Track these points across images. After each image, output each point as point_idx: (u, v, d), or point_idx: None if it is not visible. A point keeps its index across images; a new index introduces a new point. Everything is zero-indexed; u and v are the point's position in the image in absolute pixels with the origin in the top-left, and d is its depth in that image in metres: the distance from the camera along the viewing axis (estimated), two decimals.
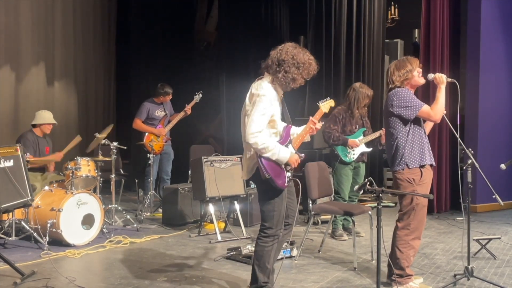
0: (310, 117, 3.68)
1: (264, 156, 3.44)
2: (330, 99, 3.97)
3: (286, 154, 3.49)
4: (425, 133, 4.04)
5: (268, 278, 3.62)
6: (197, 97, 7.13)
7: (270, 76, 3.57)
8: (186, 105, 7.11)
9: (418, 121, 3.99)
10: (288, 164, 3.53)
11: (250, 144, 3.42)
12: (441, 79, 3.98)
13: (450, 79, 4.04)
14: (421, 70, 4.04)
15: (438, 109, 3.93)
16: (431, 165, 4.02)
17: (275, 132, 3.60)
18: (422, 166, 3.95)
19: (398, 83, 3.98)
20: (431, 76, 4.05)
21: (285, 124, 3.70)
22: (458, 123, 4.13)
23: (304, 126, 3.71)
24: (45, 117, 6.23)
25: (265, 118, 3.45)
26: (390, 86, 4.04)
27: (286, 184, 3.54)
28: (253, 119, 3.41)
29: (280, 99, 3.66)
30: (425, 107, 3.92)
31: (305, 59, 3.55)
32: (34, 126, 6.23)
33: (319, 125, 3.69)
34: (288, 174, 3.56)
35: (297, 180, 3.72)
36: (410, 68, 3.98)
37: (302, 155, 3.68)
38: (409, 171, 3.92)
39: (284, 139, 3.62)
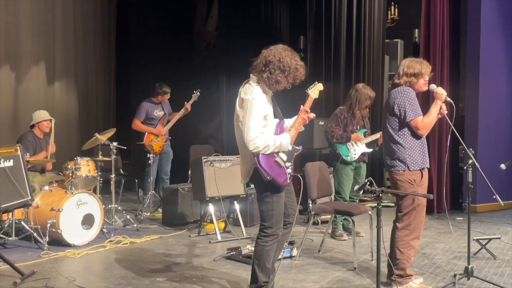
0: (301, 106, 3.64)
1: (267, 154, 3.44)
2: (318, 83, 3.85)
3: (287, 139, 3.53)
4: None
5: (268, 277, 3.62)
6: (195, 95, 7.12)
7: (256, 76, 3.55)
8: (186, 103, 7.11)
9: None
10: (286, 160, 3.54)
11: (251, 150, 3.42)
12: (441, 96, 3.94)
13: (449, 99, 4.01)
14: (428, 79, 4.01)
15: (427, 123, 3.91)
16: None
17: (270, 132, 3.59)
18: (422, 169, 3.95)
19: (402, 81, 3.96)
20: (433, 87, 4.01)
21: (277, 121, 3.69)
22: (448, 144, 4.10)
23: (296, 117, 3.68)
24: (41, 115, 6.21)
25: (260, 121, 3.45)
26: (395, 80, 4.01)
27: (288, 181, 3.56)
28: (248, 126, 3.41)
29: (270, 99, 3.64)
30: (420, 118, 3.88)
31: (292, 63, 3.50)
32: (33, 126, 6.23)
33: (312, 114, 3.66)
34: (289, 170, 3.57)
35: (299, 177, 3.72)
36: (419, 72, 3.93)
37: (299, 147, 3.69)
38: (410, 173, 3.91)
39: (278, 134, 3.62)
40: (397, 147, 3.93)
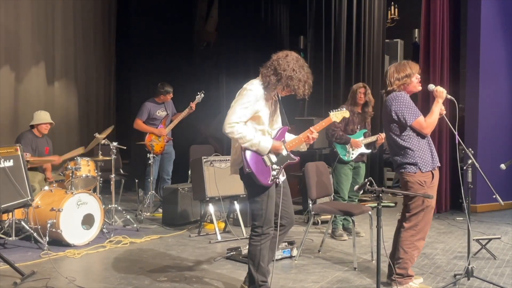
0: (310, 128, 3.68)
1: (245, 146, 3.45)
2: (345, 110, 3.97)
3: (267, 144, 3.49)
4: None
5: (265, 277, 3.62)
6: (199, 97, 7.10)
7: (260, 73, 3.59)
8: (191, 102, 7.09)
9: None
10: (275, 162, 3.54)
11: (226, 133, 3.42)
12: (442, 94, 3.94)
13: (450, 96, 4.01)
14: (419, 77, 4.02)
15: (431, 123, 3.92)
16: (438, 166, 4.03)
17: (262, 129, 3.57)
18: (433, 169, 3.94)
19: (395, 86, 3.95)
20: (431, 87, 4.01)
21: (281, 126, 3.72)
22: (457, 142, 4.10)
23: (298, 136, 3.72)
24: (41, 117, 6.21)
25: (247, 111, 3.44)
26: (387, 88, 4.01)
27: (269, 182, 3.53)
28: (234, 110, 3.43)
29: (272, 100, 3.62)
30: (421, 118, 3.89)
31: (288, 70, 3.46)
32: (33, 127, 6.23)
33: (315, 135, 3.67)
34: (274, 173, 3.55)
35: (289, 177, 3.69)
36: (410, 72, 3.94)
37: (296, 158, 3.68)
38: (422, 174, 3.89)
39: (277, 138, 3.64)
40: (406, 152, 3.91)
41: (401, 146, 3.93)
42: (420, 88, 4.04)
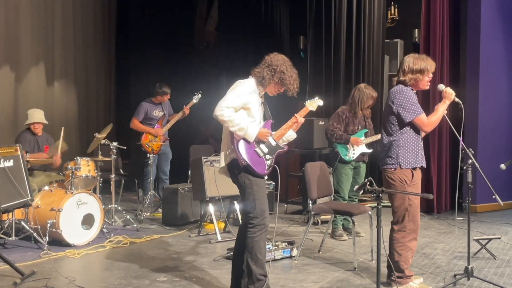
0: (295, 114, 3.84)
1: (233, 130, 3.57)
2: (318, 98, 4.07)
3: (255, 130, 3.65)
4: (421, 135, 4.03)
5: (263, 269, 3.65)
6: (196, 98, 7.08)
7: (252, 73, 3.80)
8: (184, 106, 7.08)
9: None
10: (267, 152, 3.67)
11: (216, 116, 3.57)
12: (450, 96, 3.95)
13: (458, 99, 4.01)
14: (432, 76, 4.00)
15: (434, 121, 3.93)
16: (422, 167, 4.02)
17: (253, 121, 3.70)
18: (413, 168, 3.94)
19: (407, 78, 3.93)
20: (442, 86, 4.01)
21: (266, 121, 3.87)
22: (461, 146, 4.10)
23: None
24: (32, 117, 6.18)
25: (238, 100, 3.61)
26: (400, 78, 3.97)
27: (266, 171, 3.68)
28: (227, 97, 3.63)
29: (261, 100, 3.80)
30: (423, 116, 3.90)
31: (282, 66, 3.72)
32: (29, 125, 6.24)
33: (302, 119, 3.85)
34: (268, 162, 3.69)
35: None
36: (425, 68, 3.92)
37: (285, 147, 3.85)
38: (401, 171, 3.91)
39: None
40: (391, 145, 3.94)
41: (390, 139, 3.95)
42: (427, 87, 4.03)
